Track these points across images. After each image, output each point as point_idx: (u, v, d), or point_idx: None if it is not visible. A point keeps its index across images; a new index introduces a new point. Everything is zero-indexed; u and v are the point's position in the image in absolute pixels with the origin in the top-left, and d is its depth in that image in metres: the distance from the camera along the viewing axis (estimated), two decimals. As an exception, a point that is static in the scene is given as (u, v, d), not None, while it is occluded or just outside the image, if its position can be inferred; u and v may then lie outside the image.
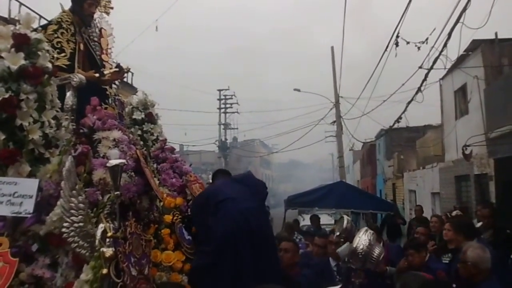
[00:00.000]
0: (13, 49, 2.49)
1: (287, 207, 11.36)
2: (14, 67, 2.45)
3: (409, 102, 10.49)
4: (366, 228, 4.19)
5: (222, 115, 37.77)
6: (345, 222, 4.78)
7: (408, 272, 3.74)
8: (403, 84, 12.08)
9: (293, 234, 7.66)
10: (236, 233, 3.06)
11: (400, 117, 12.08)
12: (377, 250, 3.86)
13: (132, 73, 17.36)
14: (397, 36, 9.10)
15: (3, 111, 2.40)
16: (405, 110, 11.15)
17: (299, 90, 22.81)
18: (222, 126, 37.49)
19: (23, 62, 2.48)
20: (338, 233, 4.75)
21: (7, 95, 2.40)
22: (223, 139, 37.50)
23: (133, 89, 13.90)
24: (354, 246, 3.82)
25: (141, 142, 3.90)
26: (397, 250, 5.56)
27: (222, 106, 37.83)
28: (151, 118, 4.16)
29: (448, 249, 4.85)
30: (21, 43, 2.51)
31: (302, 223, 12.64)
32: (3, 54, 2.47)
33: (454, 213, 7.76)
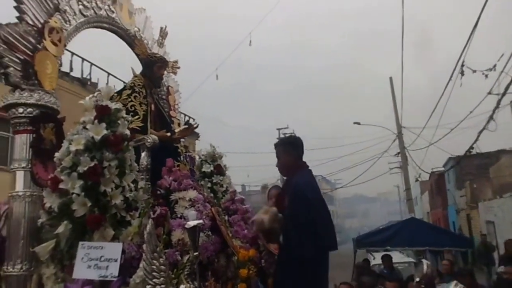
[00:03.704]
0: (96, 121, 2.67)
1: (356, 248, 10.95)
2: (98, 137, 2.61)
3: (480, 132, 9.93)
4: (455, 282, 3.89)
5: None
6: (425, 267, 4.51)
7: None
8: (471, 112, 11.51)
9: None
10: None
11: (471, 147, 11.43)
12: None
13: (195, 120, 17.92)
14: (462, 65, 8.74)
15: (89, 179, 2.54)
16: (476, 140, 10.55)
17: (359, 123, 22.45)
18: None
19: (105, 132, 2.64)
20: (417, 279, 4.49)
21: (92, 164, 2.55)
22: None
23: (195, 135, 14.30)
24: None
25: (211, 194, 3.96)
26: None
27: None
28: (219, 170, 4.24)
29: None
30: (103, 114, 2.68)
31: (372, 262, 12.05)
32: (88, 126, 2.65)
33: None
